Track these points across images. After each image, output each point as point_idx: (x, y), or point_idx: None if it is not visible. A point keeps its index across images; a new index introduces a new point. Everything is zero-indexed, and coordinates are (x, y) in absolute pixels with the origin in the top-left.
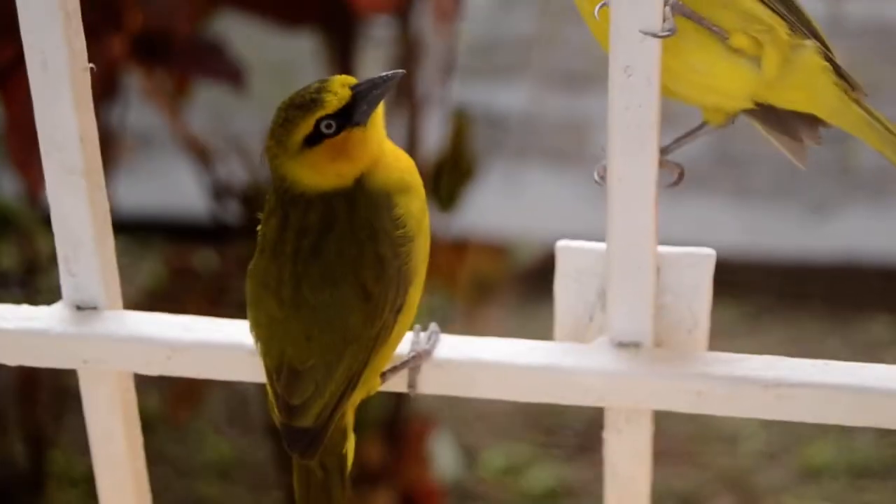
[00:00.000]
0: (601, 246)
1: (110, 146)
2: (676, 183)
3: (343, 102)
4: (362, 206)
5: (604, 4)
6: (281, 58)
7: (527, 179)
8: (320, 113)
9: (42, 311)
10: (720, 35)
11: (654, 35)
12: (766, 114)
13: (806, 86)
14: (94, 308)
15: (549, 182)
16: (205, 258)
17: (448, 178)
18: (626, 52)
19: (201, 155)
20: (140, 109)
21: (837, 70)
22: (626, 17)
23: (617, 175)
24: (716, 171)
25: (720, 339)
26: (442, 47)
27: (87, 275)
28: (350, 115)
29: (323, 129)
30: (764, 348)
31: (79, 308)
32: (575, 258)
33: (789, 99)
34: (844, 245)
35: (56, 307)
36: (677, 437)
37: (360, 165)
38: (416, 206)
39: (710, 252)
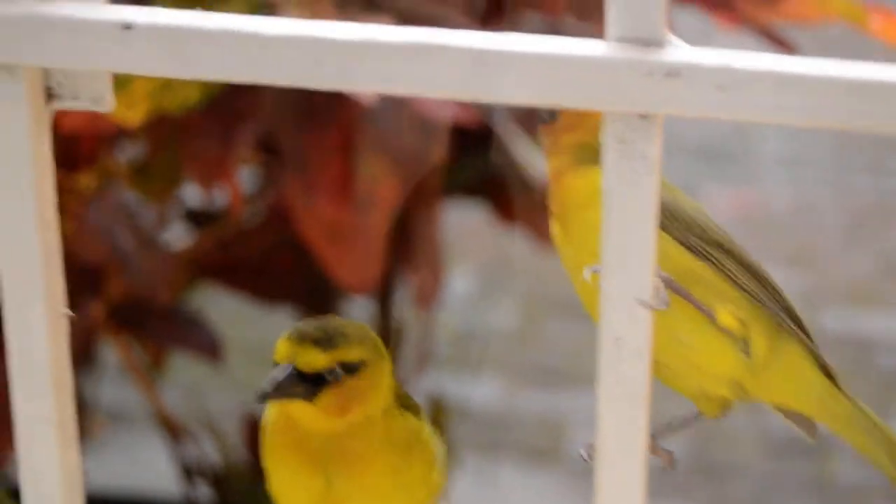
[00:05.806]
0: None
1: (81, 421)
2: (668, 468)
3: None
4: None
5: (595, 269)
6: (259, 336)
7: (500, 475)
8: None
9: None
10: (708, 314)
11: (647, 306)
12: None
13: (793, 377)
14: None
15: (522, 479)
16: None
17: None
18: (617, 322)
19: (174, 433)
20: (113, 385)
21: (820, 361)
22: (617, 286)
23: (605, 452)
24: (692, 479)
25: None
26: (420, 334)
27: None
28: None
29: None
30: None
31: None
32: None
33: (775, 391)
34: None
35: None
36: None
37: None
38: None
39: None
